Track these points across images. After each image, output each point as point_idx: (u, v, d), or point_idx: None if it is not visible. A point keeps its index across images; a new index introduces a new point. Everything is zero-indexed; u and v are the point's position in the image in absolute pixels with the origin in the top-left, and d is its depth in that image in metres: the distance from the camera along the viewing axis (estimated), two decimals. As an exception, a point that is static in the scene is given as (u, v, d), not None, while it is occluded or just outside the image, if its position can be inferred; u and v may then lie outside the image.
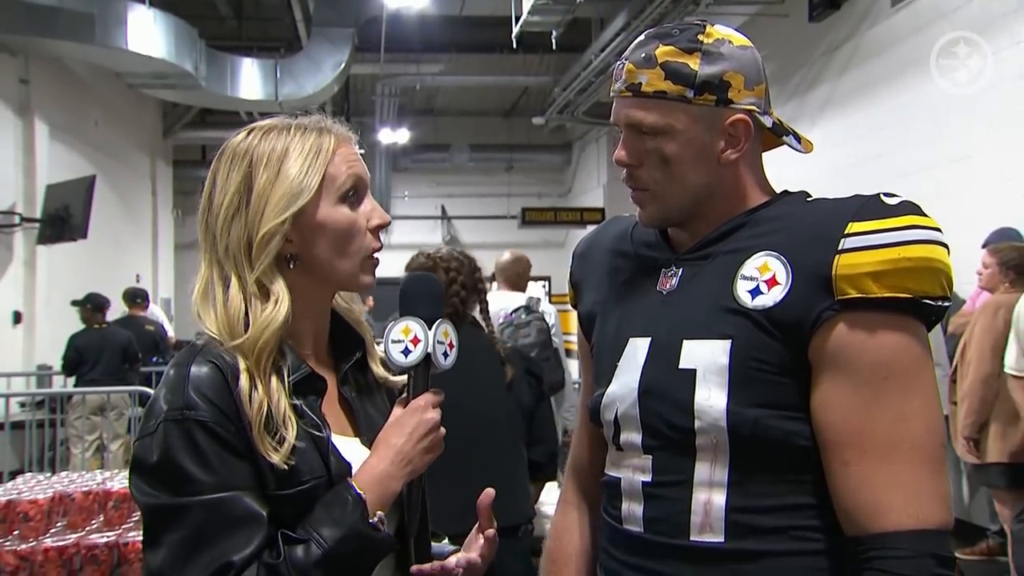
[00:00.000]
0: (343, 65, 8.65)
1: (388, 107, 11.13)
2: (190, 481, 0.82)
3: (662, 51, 0.91)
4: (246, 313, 0.88)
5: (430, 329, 0.93)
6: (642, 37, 0.95)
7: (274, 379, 0.87)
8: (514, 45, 7.81)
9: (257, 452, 0.84)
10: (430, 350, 0.93)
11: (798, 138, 0.98)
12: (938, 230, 0.86)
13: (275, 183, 0.90)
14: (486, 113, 13.07)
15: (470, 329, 2.05)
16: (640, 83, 0.91)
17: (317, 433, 0.89)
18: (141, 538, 1.78)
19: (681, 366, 0.89)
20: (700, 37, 0.92)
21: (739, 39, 0.94)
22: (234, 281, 0.90)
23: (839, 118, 5.75)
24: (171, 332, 7.62)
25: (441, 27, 9.65)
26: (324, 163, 0.92)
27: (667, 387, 0.90)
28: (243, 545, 0.82)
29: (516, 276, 3.85)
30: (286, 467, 0.85)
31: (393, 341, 0.94)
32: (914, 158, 4.92)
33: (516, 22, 7.43)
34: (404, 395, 0.94)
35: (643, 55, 0.92)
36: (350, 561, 0.85)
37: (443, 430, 0.93)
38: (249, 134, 0.94)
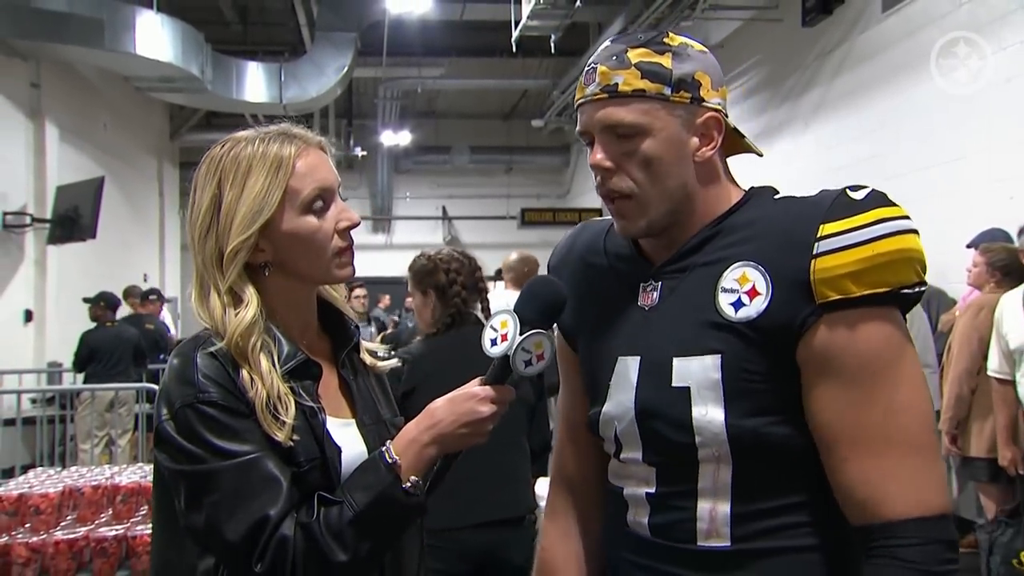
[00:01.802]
0: (346, 69, 8.74)
1: (390, 110, 11.22)
2: (216, 450, 0.89)
3: (634, 53, 0.91)
4: (224, 315, 0.95)
5: (521, 334, 0.92)
6: (607, 43, 0.95)
7: (265, 365, 0.92)
8: (513, 49, 7.89)
9: (263, 431, 0.90)
10: (510, 353, 0.91)
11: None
12: (906, 217, 0.86)
13: (239, 201, 0.95)
14: (486, 116, 13.16)
15: (473, 328, 2.10)
16: (616, 83, 0.91)
17: (312, 418, 0.94)
18: (147, 531, 1.83)
19: (674, 384, 0.90)
20: (666, 40, 0.93)
21: (698, 45, 0.95)
22: (212, 288, 0.96)
23: (832, 121, 5.84)
24: (175, 331, 7.64)
25: (442, 31, 9.76)
26: (285, 177, 0.95)
27: (663, 406, 0.90)
28: (275, 500, 0.88)
29: (523, 276, 3.94)
30: (291, 444, 0.91)
31: (491, 327, 0.94)
32: (905, 160, 5.01)
33: (516, 26, 7.51)
34: (485, 375, 0.96)
35: (614, 58, 0.92)
36: (381, 524, 0.90)
37: (490, 425, 0.94)
38: (223, 147, 0.99)
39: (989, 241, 3.66)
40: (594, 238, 1.05)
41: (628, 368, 0.95)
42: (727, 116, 0.95)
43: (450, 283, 2.09)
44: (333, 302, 1.08)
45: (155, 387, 4.38)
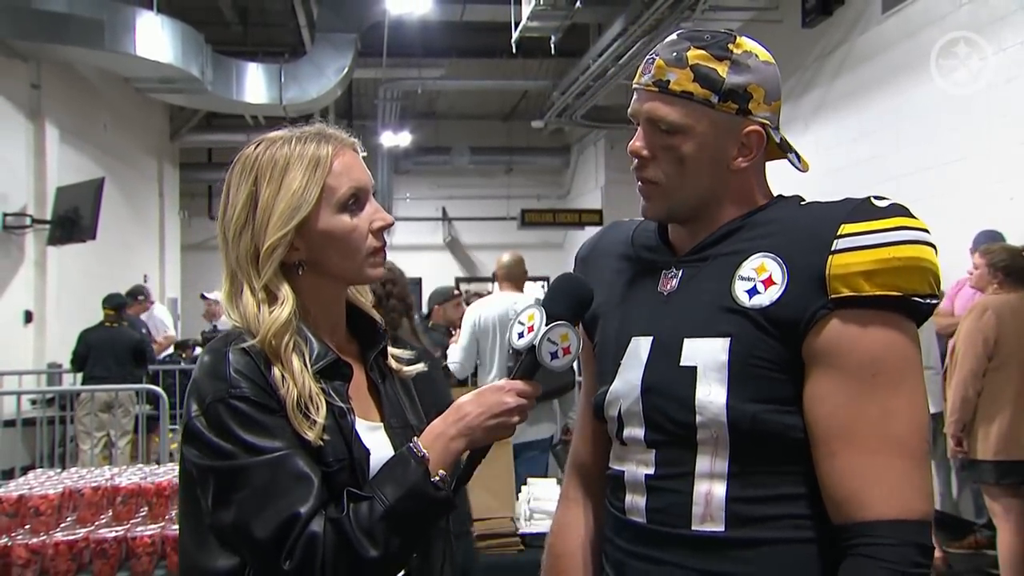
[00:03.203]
0: (346, 70, 8.74)
1: (390, 111, 11.22)
2: (246, 446, 0.89)
3: (694, 54, 0.93)
4: (258, 313, 0.95)
5: (546, 325, 0.94)
6: (674, 36, 0.97)
7: (297, 364, 0.93)
8: (514, 50, 7.90)
9: (294, 430, 0.91)
10: (536, 343, 0.94)
11: (798, 156, 1.00)
12: (926, 231, 0.88)
13: (277, 198, 0.95)
14: (486, 116, 13.17)
15: (405, 346, 1.99)
16: (668, 80, 0.93)
17: (342, 419, 0.94)
18: (147, 532, 1.82)
19: (682, 363, 0.92)
20: (731, 47, 0.94)
21: (764, 54, 0.96)
22: (246, 286, 0.97)
23: (832, 122, 5.86)
24: (167, 333, 7.58)
25: (442, 32, 9.77)
26: (323, 175, 0.96)
27: (669, 384, 0.93)
28: (305, 498, 0.88)
29: (519, 276, 3.96)
30: (321, 443, 0.91)
31: (518, 322, 0.98)
32: (905, 161, 5.02)
33: (516, 27, 7.52)
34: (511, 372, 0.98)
35: (674, 54, 0.94)
36: (412, 518, 0.90)
37: (517, 417, 0.95)
38: (257, 147, 1.00)
39: (988, 242, 3.65)
40: (624, 232, 1.09)
41: (640, 348, 0.97)
42: (776, 129, 0.97)
43: (387, 295, 2.00)
44: (359, 305, 1.08)
45: (156, 389, 4.39)
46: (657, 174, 0.96)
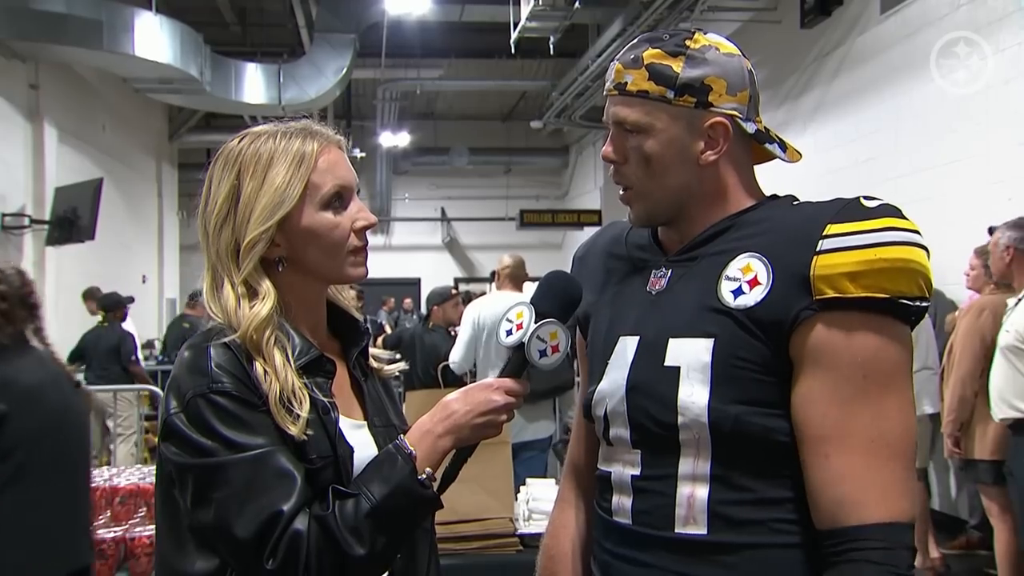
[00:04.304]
0: (345, 70, 8.76)
1: (389, 111, 11.24)
2: (227, 442, 0.87)
3: (649, 53, 0.94)
4: (238, 308, 0.93)
5: (535, 323, 0.94)
6: (635, 40, 0.98)
7: (279, 359, 0.91)
8: (512, 50, 7.93)
9: (277, 425, 0.89)
10: (524, 340, 0.94)
11: (784, 147, 0.99)
12: (916, 232, 0.86)
13: (259, 192, 0.94)
14: (485, 117, 13.19)
15: (36, 353, 1.76)
16: (626, 82, 0.95)
17: (325, 415, 0.93)
18: (145, 533, 1.80)
19: (666, 364, 0.91)
20: (687, 42, 0.95)
21: (727, 47, 0.96)
22: (226, 280, 0.95)
23: (830, 122, 5.86)
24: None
25: (441, 33, 9.78)
26: (307, 171, 0.95)
27: (653, 384, 0.92)
28: (288, 495, 0.86)
29: (521, 277, 3.99)
30: (305, 438, 0.89)
31: (506, 319, 0.97)
32: (903, 162, 5.02)
33: (514, 28, 7.55)
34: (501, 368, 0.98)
35: (632, 56, 0.95)
36: (398, 516, 0.89)
37: (505, 416, 0.94)
38: (241, 140, 0.98)
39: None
40: (619, 232, 1.09)
41: (627, 347, 0.97)
42: (749, 120, 0.96)
43: None
44: (340, 303, 1.07)
45: (157, 389, 4.39)
46: (629, 177, 0.97)
